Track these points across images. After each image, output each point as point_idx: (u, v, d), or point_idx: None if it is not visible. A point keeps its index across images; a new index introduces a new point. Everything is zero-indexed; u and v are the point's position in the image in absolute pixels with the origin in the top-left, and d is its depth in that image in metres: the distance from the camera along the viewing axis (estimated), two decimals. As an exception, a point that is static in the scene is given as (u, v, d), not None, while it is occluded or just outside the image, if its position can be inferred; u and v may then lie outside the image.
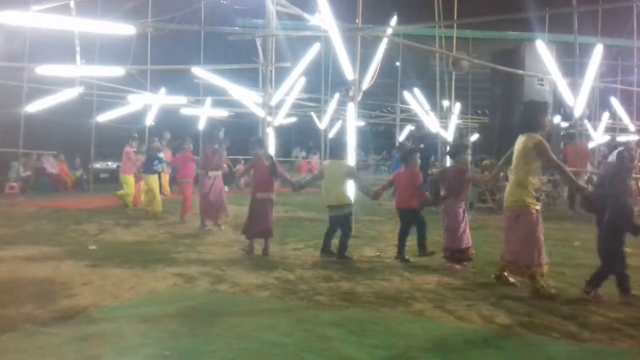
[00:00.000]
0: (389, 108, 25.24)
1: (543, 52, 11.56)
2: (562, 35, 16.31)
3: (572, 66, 12.95)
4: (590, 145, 15.72)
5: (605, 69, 18.49)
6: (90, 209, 12.13)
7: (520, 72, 11.30)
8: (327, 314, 4.66)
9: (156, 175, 11.42)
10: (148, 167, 11.32)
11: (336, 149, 7.55)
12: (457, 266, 6.50)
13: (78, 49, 12.19)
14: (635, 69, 17.16)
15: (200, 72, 13.68)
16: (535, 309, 4.79)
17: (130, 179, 12.24)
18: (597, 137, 17.14)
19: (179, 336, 4.07)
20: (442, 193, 6.89)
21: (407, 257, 6.94)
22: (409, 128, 22.56)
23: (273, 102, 12.34)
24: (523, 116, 5.82)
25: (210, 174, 9.51)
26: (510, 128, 12.32)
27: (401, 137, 22.12)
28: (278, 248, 7.63)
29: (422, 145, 12.34)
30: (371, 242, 8.25)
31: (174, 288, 5.50)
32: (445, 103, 18.84)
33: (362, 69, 9.64)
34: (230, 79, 14.15)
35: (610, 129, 18.98)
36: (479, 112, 25.09)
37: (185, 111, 18.40)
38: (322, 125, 18.00)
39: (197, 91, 18.00)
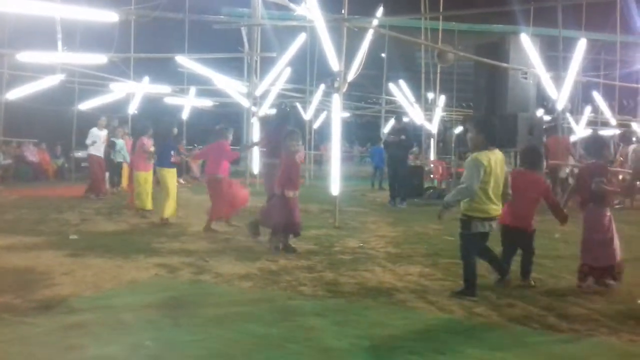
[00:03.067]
0: (374, 99, 25.28)
1: (527, 46, 11.60)
2: (546, 29, 16.43)
3: (556, 60, 13.06)
4: (572, 138, 15.92)
5: (588, 63, 18.71)
6: (71, 198, 12.00)
7: (505, 65, 11.34)
8: (310, 304, 4.68)
9: (174, 170, 9.36)
10: (164, 159, 9.12)
11: (496, 133, 5.14)
12: (590, 284, 5.27)
13: (60, 35, 12.00)
14: (618, 64, 17.39)
15: (185, 61, 13.58)
16: (515, 300, 4.84)
17: (148, 176, 9.84)
18: (579, 131, 17.38)
19: (161, 326, 4.06)
20: (578, 197, 5.60)
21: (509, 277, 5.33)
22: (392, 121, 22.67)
23: (258, 92, 12.30)
24: None
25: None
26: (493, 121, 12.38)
27: (386, 129, 22.20)
28: (263, 239, 7.60)
29: (402, 137, 12.37)
30: (354, 234, 8.27)
31: (156, 278, 5.47)
32: (430, 95, 18.97)
33: (348, 60, 9.62)
34: (215, 68, 14.06)
35: (592, 123, 19.24)
36: (464, 104, 25.24)
37: (169, 100, 18.25)
38: (307, 116, 17.98)
39: (181, 80, 17.87)
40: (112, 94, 15.86)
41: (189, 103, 17.89)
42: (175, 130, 9.99)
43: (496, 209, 4.92)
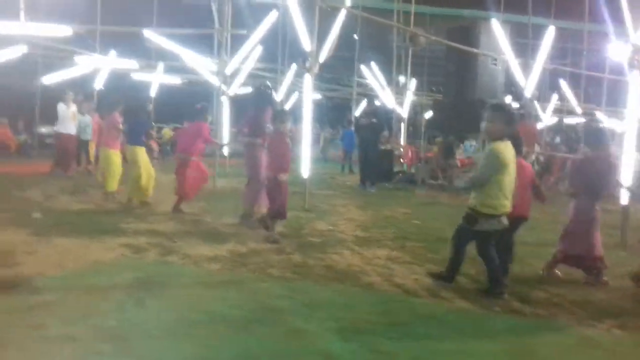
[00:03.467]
0: (345, 82, 25.21)
1: (498, 32, 11.73)
2: (516, 16, 16.59)
3: (525, 47, 13.25)
4: (539, 126, 16.21)
5: (555, 51, 19.00)
6: (35, 175, 11.69)
7: (475, 50, 11.45)
8: (278, 286, 4.69)
9: (144, 148, 8.81)
10: (136, 136, 8.63)
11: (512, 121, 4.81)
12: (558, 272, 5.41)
13: (22, 5, 11.55)
14: (585, 52, 17.70)
15: (153, 36, 13.26)
16: (479, 285, 4.94)
17: (117, 155, 8.99)
18: (546, 118, 17.70)
19: (126, 307, 4.01)
20: (571, 187, 5.57)
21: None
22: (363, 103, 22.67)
23: (228, 71, 12.10)
24: None
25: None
26: (462, 107, 12.51)
27: (357, 111, 22.20)
28: (232, 220, 7.56)
29: (374, 120, 12.41)
30: (324, 216, 8.29)
31: (122, 259, 5.39)
32: (402, 79, 19.02)
33: (320, 41, 9.54)
34: (185, 44, 13.78)
35: (558, 111, 19.62)
36: (434, 89, 25.39)
37: (137, 76, 17.84)
38: (278, 96, 17.82)
39: (149, 56, 17.48)
40: (77, 67, 15.39)
41: (157, 80, 17.53)
42: (150, 106, 9.41)
43: (506, 205, 4.59)
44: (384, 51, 22.39)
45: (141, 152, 8.65)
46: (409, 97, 18.36)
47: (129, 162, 8.82)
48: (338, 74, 24.20)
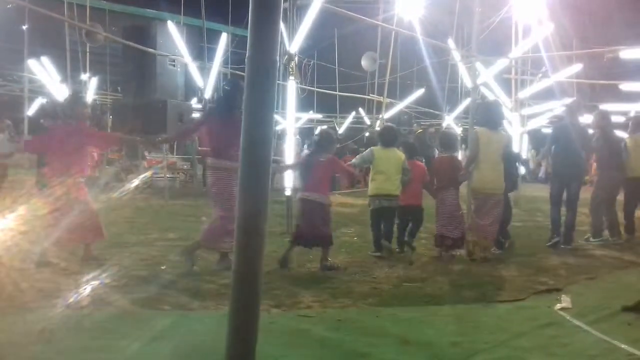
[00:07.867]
0: (13, 77, 22.32)
1: (174, 33, 11.88)
2: (195, 19, 17.11)
3: (203, 50, 13.78)
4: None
5: (237, 56, 20.21)
6: None
7: (151, 50, 11.27)
8: None
9: None
10: None
11: (388, 136, 6.97)
12: None
13: None
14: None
15: None
16: (151, 286, 4.87)
17: None
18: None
19: None
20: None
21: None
22: (40, 101, 20.42)
23: None
24: (488, 114, 6.88)
25: None
26: (143, 107, 12.15)
27: (31, 110, 19.90)
28: None
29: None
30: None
31: None
32: (84, 76, 17.74)
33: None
34: None
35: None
36: (119, 88, 24.36)
37: None
38: None
39: None
40: None
41: None
42: None
43: (388, 188, 6.69)
44: (59, 45, 20.56)
45: None
46: (90, 95, 17.28)
47: None
48: (4, 68, 21.29)
